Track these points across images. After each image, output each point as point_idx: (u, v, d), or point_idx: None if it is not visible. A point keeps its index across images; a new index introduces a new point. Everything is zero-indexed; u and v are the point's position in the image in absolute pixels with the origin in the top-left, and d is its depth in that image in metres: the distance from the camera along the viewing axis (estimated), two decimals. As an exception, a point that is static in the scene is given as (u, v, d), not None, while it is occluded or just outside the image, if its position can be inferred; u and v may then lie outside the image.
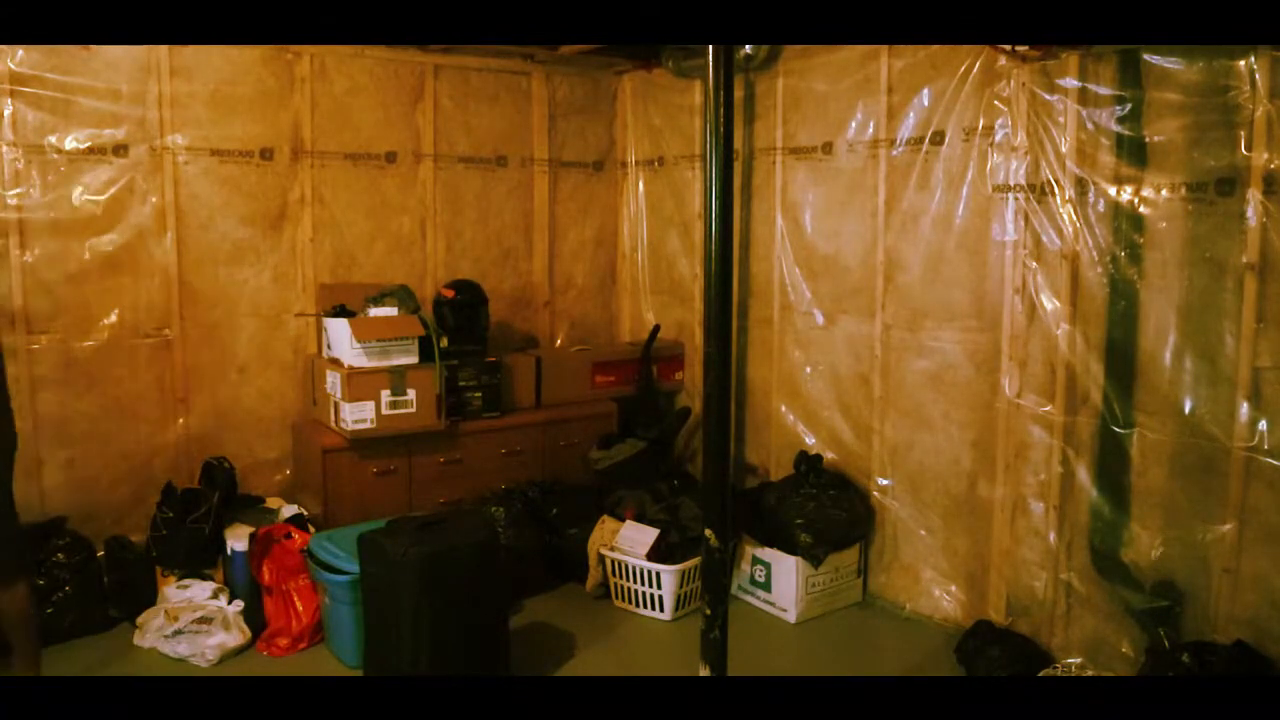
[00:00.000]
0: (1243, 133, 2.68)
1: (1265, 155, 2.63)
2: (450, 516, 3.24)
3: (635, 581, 3.69)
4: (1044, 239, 3.17)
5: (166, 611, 3.33)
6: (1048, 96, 3.12)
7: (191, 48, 3.77)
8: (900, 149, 3.60)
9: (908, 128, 3.57)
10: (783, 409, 4.16)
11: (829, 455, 3.94)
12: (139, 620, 3.40)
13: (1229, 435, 2.76)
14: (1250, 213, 2.67)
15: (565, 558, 3.90)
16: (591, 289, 5.01)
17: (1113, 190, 2.98)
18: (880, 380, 3.74)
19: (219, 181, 3.89)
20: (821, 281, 3.96)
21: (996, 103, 3.27)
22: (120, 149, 3.69)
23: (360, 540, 3.07)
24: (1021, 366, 3.28)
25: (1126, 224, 2.97)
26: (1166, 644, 2.86)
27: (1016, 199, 3.24)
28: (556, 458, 4.32)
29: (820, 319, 3.98)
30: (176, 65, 3.75)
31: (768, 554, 3.70)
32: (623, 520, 3.86)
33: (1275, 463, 2.68)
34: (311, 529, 3.58)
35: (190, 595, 3.40)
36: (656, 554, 3.67)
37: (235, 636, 3.31)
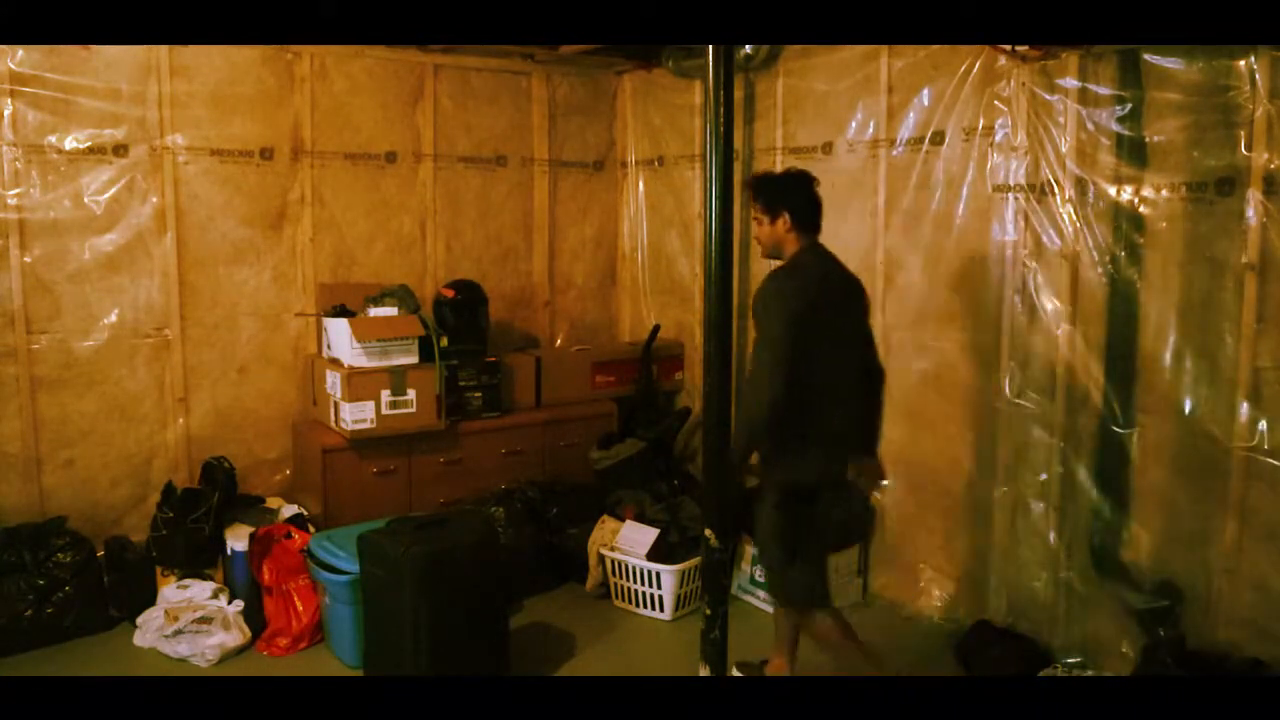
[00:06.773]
0: (1243, 133, 2.68)
1: (1265, 155, 2.63)
2: (450, 516, 3.24)
3: (635, 581, 3.69)
4: (1044, 239, 3.17)
5: (166, 611, 3.33)
6: (1048, 96, 3.12)
7: (191, 48, 3.77)
8: (900, 149, 3.60)
9: (908, 128, 3.56)
10: (783, 409, 4.15)
11: (829, 455, 3.94)
12: (139, 620, 3.40)
13: (1229, 435, 2.76)
14: (1250, 213, 2.67)
15: (565, 558, 3.90)
16: (591, 289, 5.00)
17: (1113, 190, 2.98)
18: (880, 380, 3.74)
19: (219, 181, 3.89)
20: (821, 281, 3.95)
21: (996, 103, 3.27)
22: (120, 149, 3.68)
23: (360, 540, 3.07)
24: (1021, 366, 3.28)
25: (1126, 224, 2.97)
26: (1166, 645, 2.86)
27: (1016, 199, 3.24)
28: (556, 458, 4.32)
29: (820, 319, 3.96)
30: (176, 65, 3.75)
31: (768, 554, 3.70)
32: (623, 520, 3.86)
33: (1275, 463, 2.68)
34: (311, 529, 3.58)
35: (190, 595, 3.40)
36: (656, 554, 3.67)
37: (235, 636, 3.31)
